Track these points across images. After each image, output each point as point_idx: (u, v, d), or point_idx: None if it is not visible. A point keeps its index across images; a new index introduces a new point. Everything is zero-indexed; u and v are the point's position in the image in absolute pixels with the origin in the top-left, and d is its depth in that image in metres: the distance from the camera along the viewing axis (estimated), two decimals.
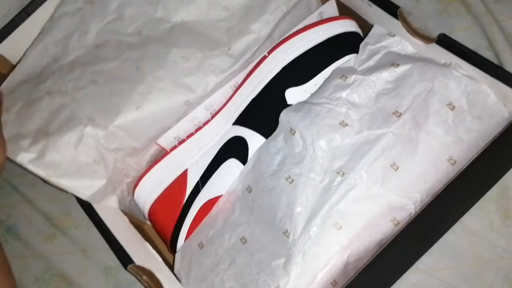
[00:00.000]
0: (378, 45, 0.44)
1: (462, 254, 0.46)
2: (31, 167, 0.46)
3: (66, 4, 0.53)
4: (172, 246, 0.48)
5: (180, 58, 0.48)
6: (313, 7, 0.53)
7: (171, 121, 0.48)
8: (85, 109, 0.47)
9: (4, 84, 0.52)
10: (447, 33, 0.52)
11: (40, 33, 0.54)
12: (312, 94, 0.45)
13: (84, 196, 0.46)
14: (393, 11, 0.44)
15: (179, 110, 0.48)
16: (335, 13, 0.52)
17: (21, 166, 0.47)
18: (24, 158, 0.46)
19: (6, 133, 0.47)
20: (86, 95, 0.47)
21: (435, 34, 0.42)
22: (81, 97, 0.47)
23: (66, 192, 0.47)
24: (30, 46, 0.54)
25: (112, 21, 0.52)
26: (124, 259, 0.42)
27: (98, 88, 0.48)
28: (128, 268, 0.42)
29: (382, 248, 0.35)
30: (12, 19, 0.56)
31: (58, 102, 0.48)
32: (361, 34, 0.48)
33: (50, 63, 0.51)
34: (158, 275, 0.43)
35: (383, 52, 0.44)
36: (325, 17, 0.50)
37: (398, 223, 0.38)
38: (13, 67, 0.57)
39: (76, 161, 0.46)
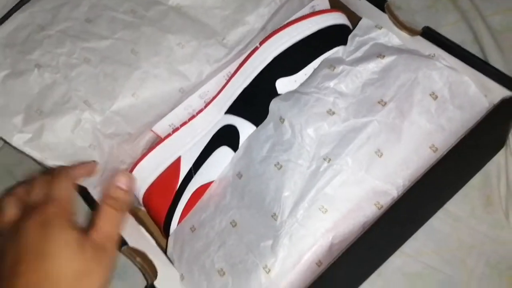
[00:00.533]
0: (366, 36, 0.46)
1: (445, 239, 0.47)
2: (27, 149, 0.46)
3: None
4: (165, 230, 0.50)
5: (175, 45, 0.49)
6: (306, 1, 0.54)
7: (166, 108, 0.49)
8: (79, 90, 0.47)
9: None
10: (434, 27, 0.54)
11: (30, 2, 0.53)
12: (301, 84, 0.47)
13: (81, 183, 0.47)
14: (380, 4, 0.45)
15: (173, 97, 0.49)
16: (327, 6, 0.53)
17: (10, 145, 0.47)
18: (20, 139, 0.46)
19: None
20: (79, 75, 0.48)
21: None
22: (74, 77, 0.48)
23: None
24: (17, 11, 0.52)
25: None
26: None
27: (92, 69, 0.48)
28: (122, 249, 0.44)
29: (364, 230, 0.37)
30: (10, 10, 0.57)
31: (49, 78, 0.48)
32: (351, 26, 0.50)
33: (36, 31, 0.51)
34: (152, 257, 0.44)
35: (370, 43, 0.45)
36: (317, 10, 0.52)
37: (381, 207, 0.40)
38: None
39: (73, 144, 0.47)
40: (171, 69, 0.48)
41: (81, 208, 0.58)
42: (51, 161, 0.47)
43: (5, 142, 0.47)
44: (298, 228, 0.40)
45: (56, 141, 0.47)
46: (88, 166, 0.44)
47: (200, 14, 0.50)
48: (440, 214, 0.48)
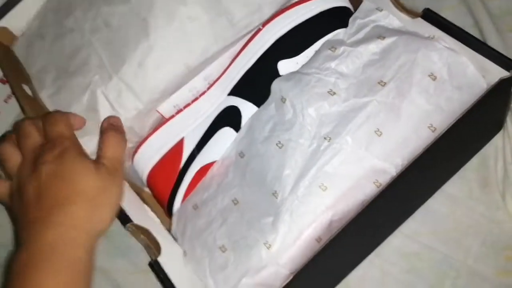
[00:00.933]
0: (367, 19, 0.46)
1: (443, 220, 0.48)
2: (46, 101, 0.51)
3: None
4: (169, 210, 0.50)
5: (186, 18, 0.48)
6: None
7: (170, 84, 0.50)
8: (97, 54, 0.50)
9: (45, 6, 0.55)
10: (435, 11, 0.54)
11: None
12: (303, 65, 0.48)
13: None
14: None
15: (178, 72, 0.49)
16: None
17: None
18: (45, 93, 0.51)
19: (40, 62, 0.52)
20: (99, 39, 0.50)
21: None
22: (95, 40, 0.50)
23: None
24: None
25: None
26: (123, 218, 0.45)
27: (110, 33, 0.50)
28: (126, 227, 0.45)
29: (363, 207, 0.38)
30: None
31: (78, 41, 0.51)
32: (352, 9, 0.50)
33: None
34: (155, 234, 0.45)
35: (371, 25, 0.46)
36: None
37: (380, 185, 0.40)
38: (17, 39, 0.59)
39: (81, 105, 0.49)
40: (178, 42, 0.48)
41: None
42: None
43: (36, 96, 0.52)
44: (298, 205, 0.41)
45: (69, 100, 0.50)
46: (78, 118, 0.48)
47: None
48: (437, 195, 0.49)
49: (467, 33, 0.42)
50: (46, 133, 0.43)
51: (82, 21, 0.51)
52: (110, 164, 0.42)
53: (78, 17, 0.52)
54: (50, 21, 0.54)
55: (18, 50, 0.56)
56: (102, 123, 0.47)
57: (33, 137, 0.43)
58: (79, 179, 0.40)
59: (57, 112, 0.46)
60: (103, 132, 0.45)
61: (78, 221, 0.39)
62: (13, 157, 0.43)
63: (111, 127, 0.45)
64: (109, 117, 0.47)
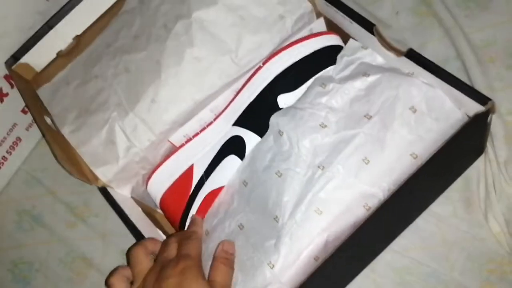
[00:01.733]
0: (353, 56, 0.51)
1: (430, 237, 0.52)
2: (68, 136, 0.57)
3: (127, 4, 0.62)
4: (180, 230, 0.55)
5: (193, 58, 0.54)
6: (315, 31, 0.58)
7: (180, 117, 0.55)
8: (116, 94, 0.56)
9: (77, 59, 0.63)
10: (421, 43, 0.59)
11: (105, 22, 0.63)
12: (297, 100, 0.52)
13: (97, 171, 0.56)
14: (370, 28, 0.50)
15: (187, 107, 0.55)
16: (323, 29, 0.58)
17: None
18: (67, 129, 0.57)
19: (63, 104, 0.60)
20: (120, 82, 0.56)
21: (411, 44, 0.48)
22: (115, 83, 0.56)
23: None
24: (100, 35, 0.63)
25: (151, 15, 0.59)
26: (138, 238, 0.50)
27: (129, 77, 0.56)
28: None
29: (355, 229, 0.42)
30: (37, 32, 0.63)
31: (100, 85, 0.57)
32: (344, 46, 0.55)
33: (103, 48, 0.60)
34: None
35: (357, 63, 0.50)
36: (314, 32, 0.57)
37: (369, 208, 0.44)
38: (37, 74, 0.65)
39: (99, 138, 0.55)
40: (187, 80, 0.54)
41: (103, 211, 0.65)
42: (79, 149, 0.56)
43: (58, 129, 0.58)
44: (297, 228, 0.45)
45: (89, 134, 0.56)
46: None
47: (218, 30, 0.55)
48: (424, 215, 0.53)
49: (444, 70, 0.45)
50: (178, 248, 0.47)
51: (106, 68, 0.58)
52: (220, 286, 0.45)
53: (103, 65, 0.58)
54: (78, 71, 0.61)
55: (43, 93, 0.63)
56: (218, 247, 0.48)
57: (169, 250, 0.47)
58: None
59: (193, 232, 0.50)
60: (215, 258, 0.47)
61: None
62: (144, 262, 0.47)
63: (223, 256, 0.47)
64: (224, 243, 0.48)
